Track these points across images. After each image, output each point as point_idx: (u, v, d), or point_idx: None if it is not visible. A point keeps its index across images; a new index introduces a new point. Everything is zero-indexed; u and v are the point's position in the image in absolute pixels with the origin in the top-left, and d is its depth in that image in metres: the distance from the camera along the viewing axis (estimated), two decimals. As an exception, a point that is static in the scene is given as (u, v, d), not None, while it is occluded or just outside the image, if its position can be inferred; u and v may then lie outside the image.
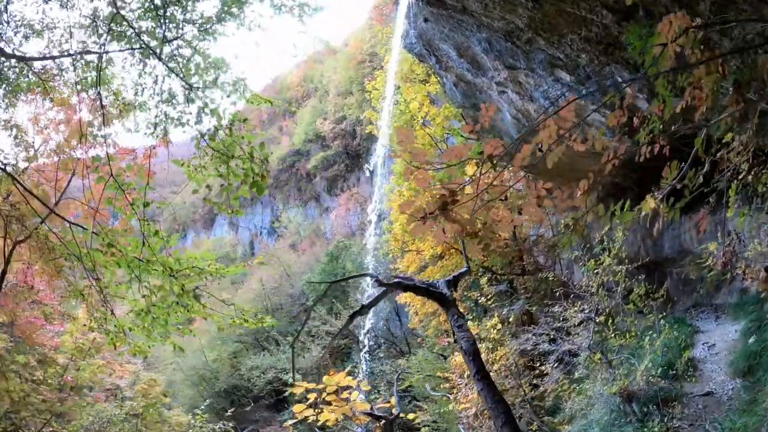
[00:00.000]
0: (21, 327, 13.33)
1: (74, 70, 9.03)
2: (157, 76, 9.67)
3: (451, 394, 13.76)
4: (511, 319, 12.73)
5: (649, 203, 3.91)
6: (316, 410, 5.06)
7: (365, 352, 24.40)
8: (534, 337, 11.11)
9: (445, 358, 16.39)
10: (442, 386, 14.59)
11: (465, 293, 16.75)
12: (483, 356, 12.21)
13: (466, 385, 12.96)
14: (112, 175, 5.62)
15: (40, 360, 15.77)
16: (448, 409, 13.47)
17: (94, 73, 9.96)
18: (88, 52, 8.21)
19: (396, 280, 5.94)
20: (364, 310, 5.54)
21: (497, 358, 12.29)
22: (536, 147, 3.36)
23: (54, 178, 12.06)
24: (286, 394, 28.10)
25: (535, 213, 3.34)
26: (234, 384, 34.29)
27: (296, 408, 5.26)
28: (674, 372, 9.73)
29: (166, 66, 6.86)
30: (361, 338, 25.84)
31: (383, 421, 5.32)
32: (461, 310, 15.69)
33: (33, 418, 13.71)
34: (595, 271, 9.90)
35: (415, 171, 3.31)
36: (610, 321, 9.77)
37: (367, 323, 25.93)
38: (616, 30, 7.01)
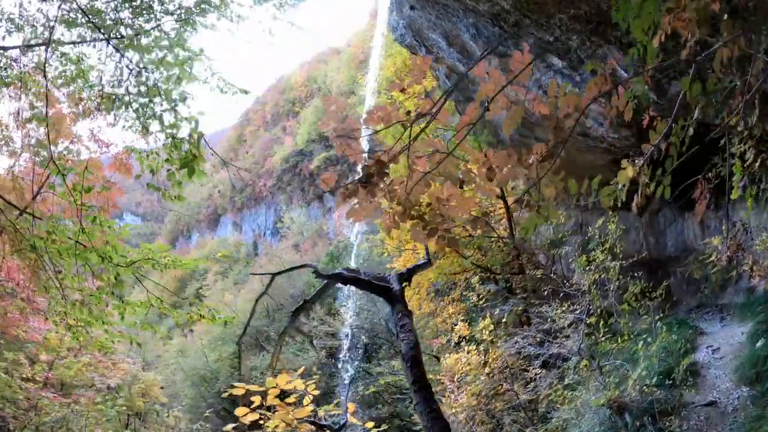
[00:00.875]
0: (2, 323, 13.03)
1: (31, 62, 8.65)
2: (135, 67, 9.35)
3: (444, 397, 13.21)
4: (504, 320, 12.15)
5: (627, 171, 3.30)
6: (261, 415, 4.60)
7: (345, 354, 24.01)
8: (521, 340, 10.45)
9: (438, 359, 15.85)
10: (433, 389, 14.01)
11: (463, 293, 16.21)
12: (474, 359, 11.68)
13: (458, 388, 12.43)
14: (51, 159, 5.18)
15: (28, 357, 15.49)
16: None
17: (72, 67, 9.68)
18: (31, 46, 7.81)
19: (337, 271, 5.44)
20: (306, 305, 5.06)
21: (489, 360, 11.72)
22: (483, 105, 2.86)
23: (32, 173, 11.79)
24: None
25: (486, 188, 2.84)
26: (234, 384, 34.04)
27: (239, 411, 4.80)
28: (672, 380, 8.88)
29: (116, 49, 6.41)
30: (342, 339, 25.43)
31: (327, 432, 4.80)
32: (454, 310, 15.21)
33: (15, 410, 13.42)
34: (587, 267, 9.23)
35: (343, 145, 2.81)
36: (602, 323, 9.08)
37: (347, 323, 25.56)
38: (605, 4, 6.48)
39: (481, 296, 13.37)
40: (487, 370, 11.48)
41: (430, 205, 2.84)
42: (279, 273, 5.06)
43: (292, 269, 4.77)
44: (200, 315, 6.21)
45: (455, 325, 13.21)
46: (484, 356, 11.82)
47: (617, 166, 11.65)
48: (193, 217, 69.27)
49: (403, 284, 4.91)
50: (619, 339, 9.09)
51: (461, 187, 2.72)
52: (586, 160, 12.12)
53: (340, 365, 25.61)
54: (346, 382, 24.26)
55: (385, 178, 2.63)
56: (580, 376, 9.17)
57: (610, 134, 10.47)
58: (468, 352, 11.88)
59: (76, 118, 12.00)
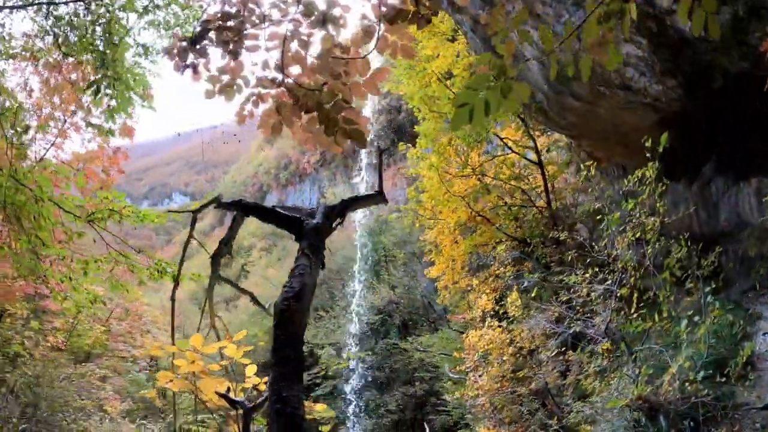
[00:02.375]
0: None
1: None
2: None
3: (466, 377, 12.31)
4: (533, 295, 11.00)
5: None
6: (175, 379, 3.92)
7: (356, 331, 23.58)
8: (540, 315, 9.23)
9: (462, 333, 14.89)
10: (458, 368, 13.09)
11: (501, 267, 15.19)
12: (498, 336, 10.64)
13: (481, 367, 11.47)
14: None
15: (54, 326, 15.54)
16: (458, 395, 12.02)
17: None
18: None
19: (237, 199, 4.60)
20: (222, 249, 4.27)
21: (516, 338, 10.65)
22: None
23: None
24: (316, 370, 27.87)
25: (385, 42, 1.92)
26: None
27: (161, 376, 4.13)
28: (726, 374, 7.19)
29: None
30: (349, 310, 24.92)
31: (240, 410, 4.00)
32: (479, 282, 14.09)
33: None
34: (621, 228, 7.75)
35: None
36: (636, 296, 7.59)
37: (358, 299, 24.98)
38: None
39: (507, 268, 12.24)
40: (511, 349, 10.42)
41: (333, 92, 1.96)
42: (198, 210, 4.37)
43: (206, 205, 4.09)
44: (159, 272, 5.65)
45: (479, 299, 12.20)
46: (509, 334, 10.76)
47: (665, 126, 9.97)
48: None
49: (334, 221, 3.90)
50: (656, 317, 7.50)
51: (324, 27, 1.79)
52: (630, 122, 10.91)
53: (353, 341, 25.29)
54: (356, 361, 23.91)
55: (234, 38, 1.75)
56: (609, 362, 7.79)
57: (654, 85, 9.19)
58: (491, 328, 10.86)
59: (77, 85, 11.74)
